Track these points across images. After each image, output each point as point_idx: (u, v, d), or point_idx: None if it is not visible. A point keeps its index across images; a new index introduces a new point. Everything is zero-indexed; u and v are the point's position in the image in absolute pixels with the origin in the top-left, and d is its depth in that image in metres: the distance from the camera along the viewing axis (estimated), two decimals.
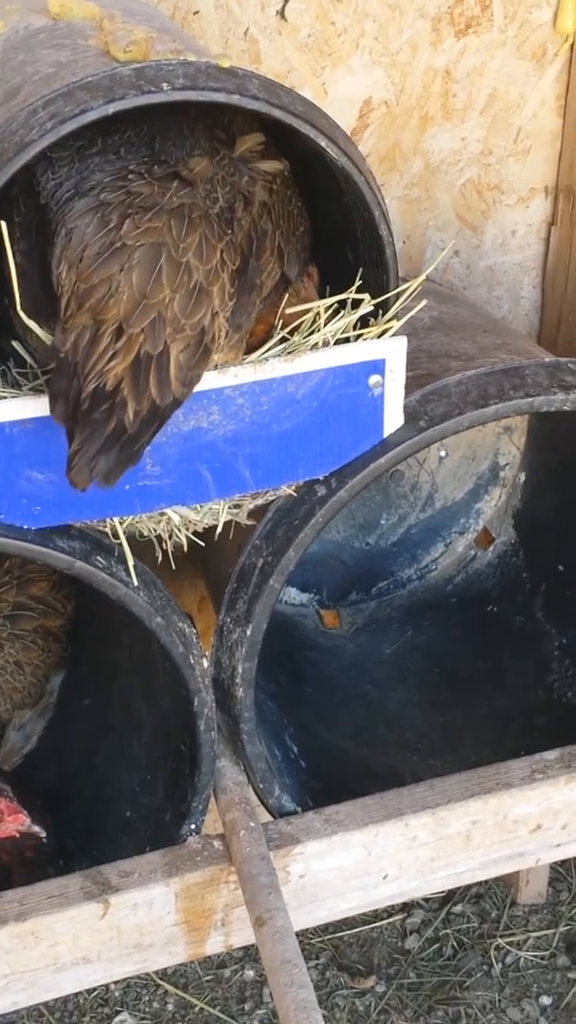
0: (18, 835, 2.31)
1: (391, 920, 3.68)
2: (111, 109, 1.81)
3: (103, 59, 1.94)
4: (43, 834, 2.26)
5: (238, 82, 1.88)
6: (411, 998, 3.48)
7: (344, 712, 2.92)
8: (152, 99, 1.83)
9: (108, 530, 2.14)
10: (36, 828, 2.27)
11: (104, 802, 2.64)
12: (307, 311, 2.10)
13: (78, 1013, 3.40)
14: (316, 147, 1.94)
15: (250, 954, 3.53)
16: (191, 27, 2.75)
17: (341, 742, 2.84)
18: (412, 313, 2.14)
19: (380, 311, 2.12)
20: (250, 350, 2.10)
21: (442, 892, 3.66)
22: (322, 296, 2.16)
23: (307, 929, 3.33)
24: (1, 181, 1.81)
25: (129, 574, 2.15)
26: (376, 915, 3.66)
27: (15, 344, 2.06)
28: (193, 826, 2.37)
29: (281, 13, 2.80)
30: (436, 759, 2.78)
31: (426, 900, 3.73)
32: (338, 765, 2.75)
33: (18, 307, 1.88)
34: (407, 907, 3.71)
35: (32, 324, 1.92)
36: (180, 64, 1.87)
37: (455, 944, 3.62)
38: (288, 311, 2.09)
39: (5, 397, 1.96)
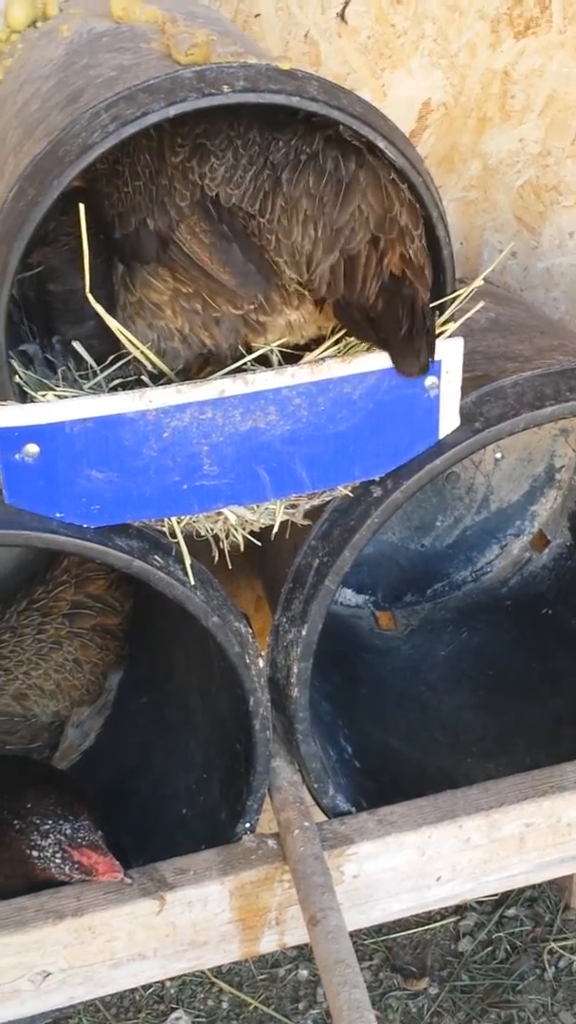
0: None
1: (444, 922, 3.67)
2: (172, 112, 1.83)
3: (165, 62, 1.95)
4: (129, 881, 2.26)
5: (298, 84, 1.89)
6: (464, 1000, 3.47)
7: (398, 713, 2.92)
8: (213, 101, 1.84)
9: (166, 529, 2.16)
10: (128, 880, 2.26)
11: (160, 800, 2.65)
12: None
13: (134, 1009, 3.42)
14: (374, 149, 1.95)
15: (304, 953, 3.53)
16: (252, 30, 2.76)
17: (395, 743, 2.84)
18: (469, 315, 2.14)
19: (437, 312, 2.12)
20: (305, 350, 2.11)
21: (495, 895, 3.65)
22: None
23: (360, 930, 3.33)
24: (64, 183, 1.83)
25: (186, 573, 2.17)
26: (429, 917, 3.65)
27: (75, 344, 2.08)
28: (248, 825, 2.38)
29: (341, 15, 2.81)
30: (490, 762, 2.78)
31: (479, 903, 3.71)
32: (392, 766, 2.75)
33: (87, 290, 1.91)
34: (460, 910, 3.70)
35: (99, 308, 1.95)
36: (241, 67, 1.88)
37: (508, 947, 3.61)
38: None
39: (66, 396, 1.98)
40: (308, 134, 1.94)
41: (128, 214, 2.03)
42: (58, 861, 2.25)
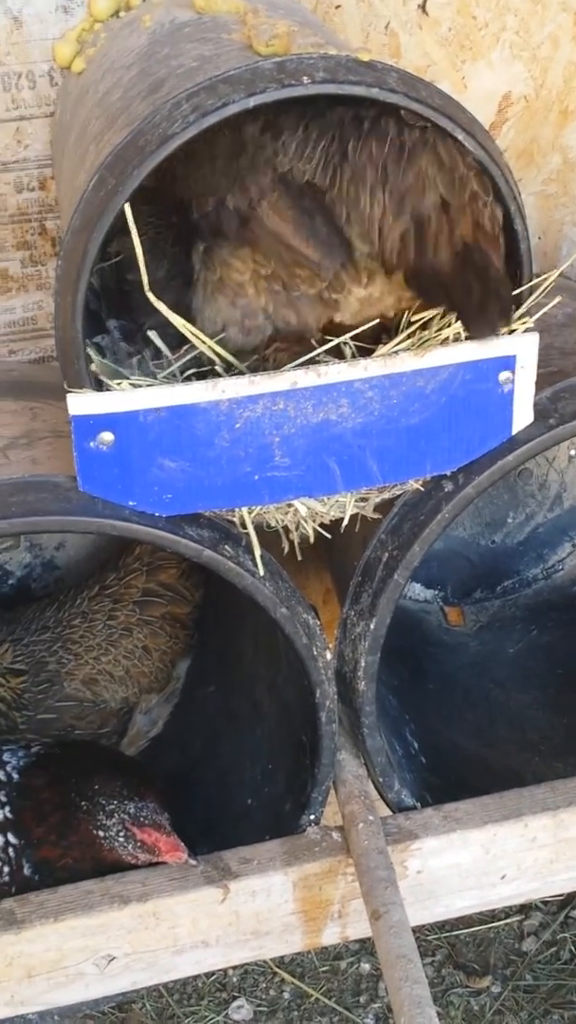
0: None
1: (508, 921, 3.65)
2: (252, 102, 1.83)
3: (246, 53, 1.96)
4: (194, 862, 2.29)
5: (377, 75, 1.89)
6: (527, 1000, 3.45)
7: (466, 710, 2.91)
8: (292, 92, 1.84)
9: (236, 520, 2.16)
10: (192, 861, 2.28)
11: (226, 789, 2.66)
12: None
13: (196, 996, 3.44)
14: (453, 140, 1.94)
15: (366, 947, 3.53)
16: (332, 21, 2.76)
17: (462, 740, 2.83)
18: (545, 309, 2.12)
19: (513, 307, 2.11)
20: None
21: (561, 895, 3.62)
22: None
23: (423, 925, 3.32)
24: (144, 172, 1.84)
25: (256, 564, 2.17)
26: (493, 915, 3.63)
27: (151, 333, 2.09)
28: (312, 817, 2.39)
29: (422, 7, 2.80)
30: (558, 761, 2.76)
31: (544, 903, 3.69)
32: (458, 763, 2.74)
33: (146, 288, 1.91)
34: (525, 909, 3.67)
35: (160, 305, 1.95)
36: (320, 58, 1.88)
37: (573, 948, 3.58)
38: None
39: (140, 385, 2.00)
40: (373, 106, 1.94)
41: (206, 195, 2.03)
42: (122, 840, 2.27)
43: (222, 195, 2.01)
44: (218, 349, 2.06)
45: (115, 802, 2.28)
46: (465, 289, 1.90)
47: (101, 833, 2.28)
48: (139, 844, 2.28)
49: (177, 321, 2.00)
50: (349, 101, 1.94)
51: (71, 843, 2.31)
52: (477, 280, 1.90)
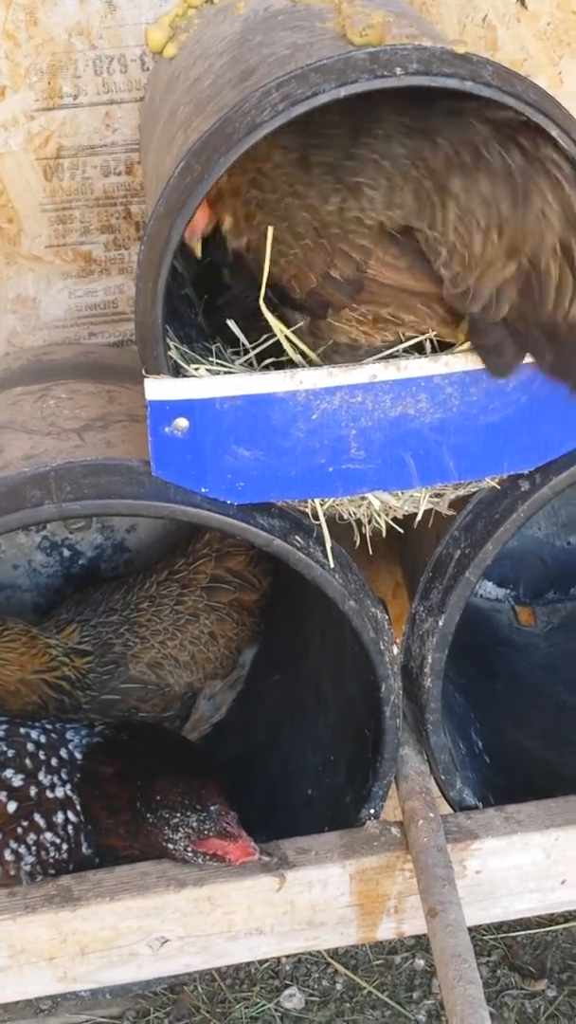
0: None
1: (567, 925, 3.61)
2: (343, 92, 1.82)
3: (339, 42, 1.95)
4: (266, 858, 2.28)
5: (472, 68, 1.86)
6: None
7: (533, 712, 2.88)
8: (385, 83, 1.83)
9: (308, 511, 2.16)
10: (264, 858, 2.27)
11: (287, 778, 2.67)
12: None
13: (249, 982, 3.45)
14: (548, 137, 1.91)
15: (422, 943, 3.52)
16: (429, 12, 2.73)
17: (528, 742, 2.81)
18: None
19: None
20: None
21: None
22: None
23: (480, 925, 3.30)
24: (230, 160, 1.84)
25: (326, 556, 2.17)
26: (552, 919, 3.60)
27: (229, 322, 2.09)
28: (372, 811, 2.38)
29: (522, 1, 2.76)
30: None
31: None
32: (523, 764, 2.72)
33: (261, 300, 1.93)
34: None
35: (269, 316, 1.98)
36: (415, 49, 1.86)
37: None
38: None
39: (218, 372, 2.00)
40: (464, 129, 1.91)
41: (305, 273, 2.01)
42: (191, 854, 2.26)
43: (324, 268, 2.00)
44: (302, 346, 2.06)
45: (178, 815, 2.25)
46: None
47: (171, 846, 2.27)
48: (207, 855, 2.26)
49: (276, 325, 2.00)
50: (444, 131, 1.92)
51: (142, 843, 2.31)
52: None
